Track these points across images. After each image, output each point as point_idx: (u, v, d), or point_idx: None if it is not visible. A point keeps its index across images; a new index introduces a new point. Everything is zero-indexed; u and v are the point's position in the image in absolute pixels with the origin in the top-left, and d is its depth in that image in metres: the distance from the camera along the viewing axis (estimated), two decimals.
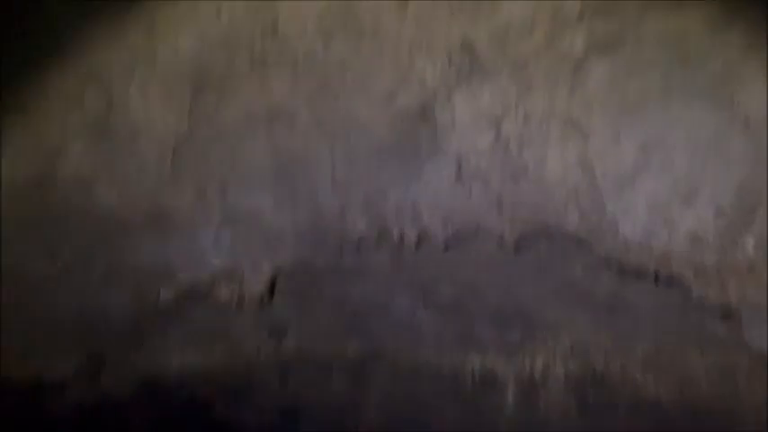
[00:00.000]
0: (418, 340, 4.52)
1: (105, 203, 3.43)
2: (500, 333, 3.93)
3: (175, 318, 4.68)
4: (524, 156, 2.70)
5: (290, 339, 5.08)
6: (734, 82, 2.09)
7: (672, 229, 2.48)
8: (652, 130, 2.26)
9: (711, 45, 2.14)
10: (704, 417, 3.22)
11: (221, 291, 3.74)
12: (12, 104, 3.36)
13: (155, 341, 5.05)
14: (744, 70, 2.07)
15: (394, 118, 3.08)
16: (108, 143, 3.35)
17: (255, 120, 3.37)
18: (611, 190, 2.52)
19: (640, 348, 3.30)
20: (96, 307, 4.38)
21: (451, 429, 4.39)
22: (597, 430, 3.74)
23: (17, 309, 4.28)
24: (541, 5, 2.43)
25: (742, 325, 2.51)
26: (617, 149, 2.41)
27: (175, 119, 3.28)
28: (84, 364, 5.06)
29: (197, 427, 5.20)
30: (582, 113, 2.47)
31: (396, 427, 4.80)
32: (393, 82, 2.97)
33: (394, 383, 4.89)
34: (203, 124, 3.37)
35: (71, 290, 4.29)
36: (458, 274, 3.64)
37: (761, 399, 2.59)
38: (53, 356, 4.81)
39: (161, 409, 5.46)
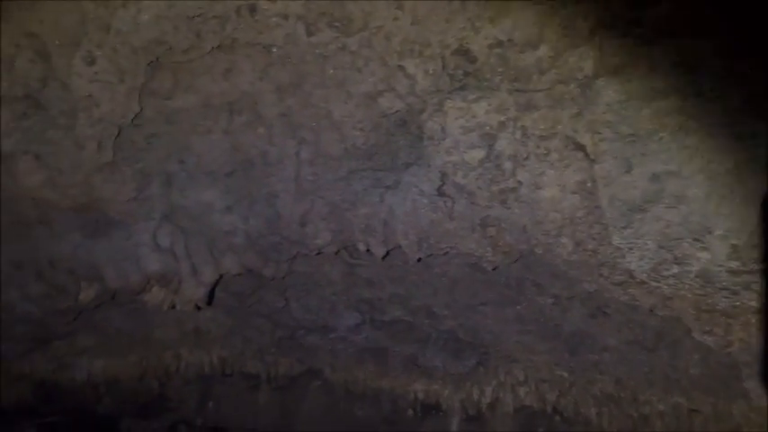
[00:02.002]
0: (360, 361, 4.21)
1: (29, 184, 2.92)
2: (451, 360, 3.67)
3: (91, 320, 4.15)
4: (518, 175, 2.47)
5: (217, 351, 4.67)
6: (754, 116, 1.95)
7: (681, 267, 2.31)
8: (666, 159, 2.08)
9: (728, 77, 1.98)
10: None
11: (152, 295, 3.27)
12: None
13: (62, 344, 4.48)
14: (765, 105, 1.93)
15: (374, 122, 2.78)
16: (40, 116, 2.85)
17: (215, 108, 2.97)
18: (617, 219, 2.32)
19: (599, 385, 3.12)
20: (1, 302, 3.79)
21: None
22: None
23: None
24: (550, 18, 2.21)
25: (742, 373, 2.37)
26: (627, 177, 2.21)
27: (124, 98, 2.83)
28: None
29: None
30: (588, 137, 2.26)
31: None
32: (378, 82, 2.67)
33: (328, 405, 4.56)
34: (155, 108, 2.94)
35: None
36: (417, 296, 3.36)
37: None
38: None
39: (58, 420, 4.89)
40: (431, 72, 2.53)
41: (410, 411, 4.00)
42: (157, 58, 2.75)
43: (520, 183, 2.41)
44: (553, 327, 3.02)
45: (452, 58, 2.52)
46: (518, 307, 3.01)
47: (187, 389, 4.97)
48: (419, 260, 2.79)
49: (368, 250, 2.85)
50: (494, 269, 2.73)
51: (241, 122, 2.97)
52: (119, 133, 2.86)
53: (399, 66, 2.57)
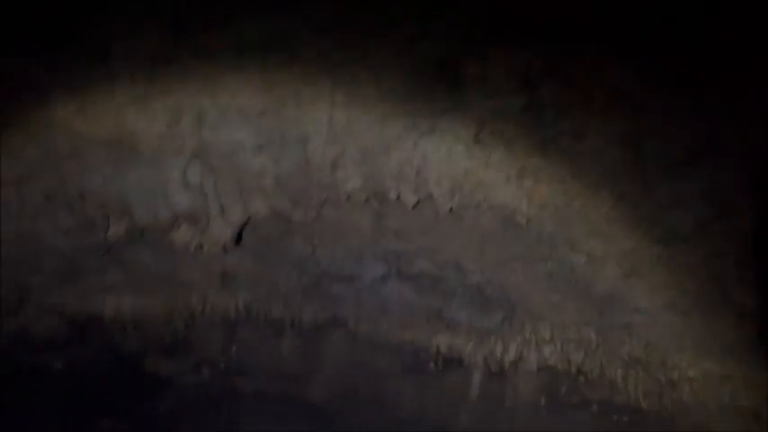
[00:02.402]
0: (384, 312, 4.19)
1: (61, 115, 2.89)
2: (476, 314, 3.62)
3: (120, 257, 4.17)
4: (560, 125, 2.36)
5: (242, 295, 4.67)
6: None
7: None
8: None
9: None
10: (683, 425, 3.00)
11: (179, 234, 3.26)
12: None
13: (91, 280, 4.52)
14: None
15: (413, 65, 2.68)
16: (71, 45, 2.80)
17: (251, 45, 2.89)
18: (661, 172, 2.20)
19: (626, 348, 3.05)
20: (31, 234, 3.82)
21: (408, 408, 4.10)
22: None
23: None
24: None
25: None
26: None
27: (159, 26, 2.76)
28: (6, 296, 4.49)
29: (121, 377, 4.75)
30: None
31: (346, 399, 4.48)
32: (418, 26, 2.56)
33: (350, 354, 4.56)
34: (189, 42, 2.87)
35: (4, 212, 3.71)
36: (445, 250, 3.29)
37: None
38: None
39: (85, 354, 4.98)
40: (471, 18, 2.40)
41: (431, 364, 3.96)
42: None
43: (561, 132, 2.30)
44: (584, 286, 2.94)
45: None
46: (548, 263, 2.92)
47: (212, 331, 5.00)
48: (450, 210, 2.71)
49: (398, 198, 2.76)
50: (527, 222, 2.63)
51: (275, 59, 2.89)
52: (151, 66, 2.79)
53: (438, 8, 2.44)
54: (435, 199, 2.66)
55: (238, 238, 3.24)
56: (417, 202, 2.73)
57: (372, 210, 3.41)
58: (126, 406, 4.54)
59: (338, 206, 3.23)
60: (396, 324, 4.08)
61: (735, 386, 2.72)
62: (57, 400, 4.60)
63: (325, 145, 2.81)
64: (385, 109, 2.68)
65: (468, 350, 3.75)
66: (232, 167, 2.99)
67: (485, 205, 2.69)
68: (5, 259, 4.12)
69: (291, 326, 4.66)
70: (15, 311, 4.77)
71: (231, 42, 2.76)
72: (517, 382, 3.62)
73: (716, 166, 2.24)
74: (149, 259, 4.40)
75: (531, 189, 2.45)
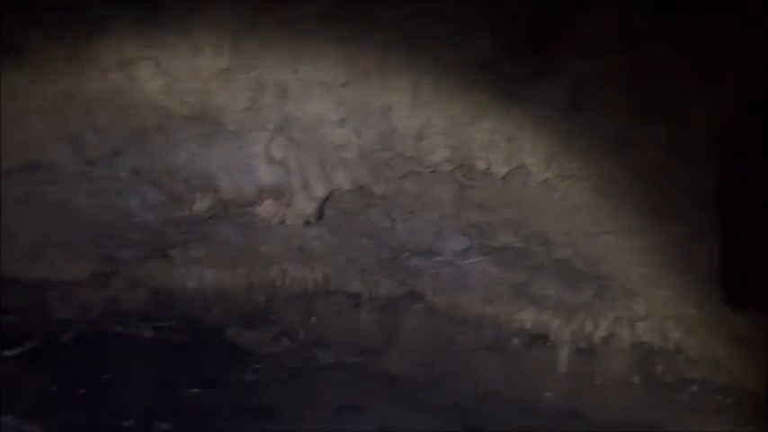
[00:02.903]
0: (464, 287, 4.08)
1: (148, 91, 2.90)
2: (565, 290, 3.47)
3: (203, 232, 4.23)
4: (667, 87, 2.17)
5: (321, 269, 4.67)
6: None
7: None
8: None
9: None
10: None
11: (263, 209, 3.24)
12: None
13: (175, 253, 4.61)
14: None
15: (500, 26, 2.52)
16: (157, 18, 2.78)
17: (331, 15, 2.80)
18: None
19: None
20: (119, 209, 3.90)
21: (488, 383, 4.01)
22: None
23: (29, 205, 3.79)
24: None
25: None
26: None
27: (240, 1, 2.71)
28: (96, 269, 4.64)
29: (205, 347, 4.85)
30: None
31: (422, 373, 4.43)
32: None
33: (428, 328, 4.49)
34: (270, 13, 2.80)
35: (94, 187, 3.79)
36: (531, 221, 3.14)
37: None
38: (64, 258, 4.38)
39: (171, 325, 5.12)
40: None
41: (515, 340, 3.85)
42: None
43: (667, 96, 2.11)
44: (687, 259, 2.74)
45: None
46: (648, 236, 2.74)
47: (291, 304, 5.04)
48: (544, 181, 2.56)
49: (487, 169, 2.64)
50: (627, 192, 2.46)
51: (355, 29, 2.79)
52: (234, 39, 2.75)
53: None
54: (528, 169, 2.51)
55: (321, 211, 3.19)
56: (507, 173, 2.58)
57: (456, 181, 3.29)
58: (211, 375, 4.64)
59: (421, 179, 3.13)
60: (477, 299, 3.97)
61: None
62: (146, 368, 4.76)
63: (410, 115, 2.70)
64: (472, 75, 2.54)
65: (555, 326, 3.62)
66: (315, 141, 2.93)
67: (581, 174, 2.52)
68: (97, 234, 4.24)
69: (369, 299, 4.63)
70: (106, 283, 4.95)
71: (312, 12, 2.66)
72: (608, 359, 3.47)
73: None
74: (230, 234, 4.44)
75: (633, 157, 2.26)
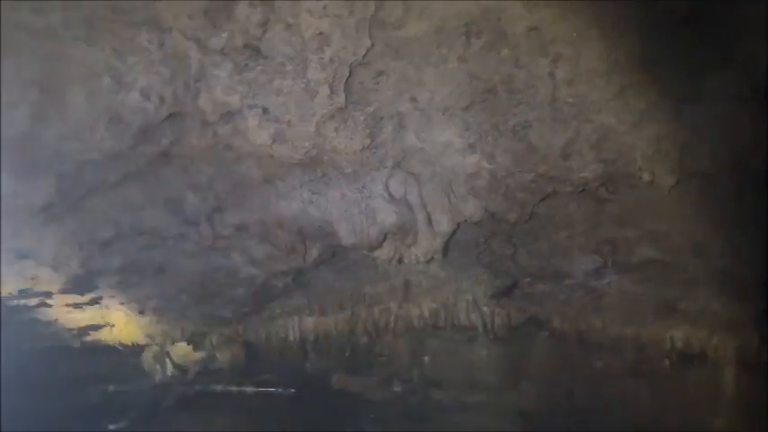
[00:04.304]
0: (597, 308, 3.70)
1: (258, 142, 2.64)
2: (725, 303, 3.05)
3: (304, 279, 3.96)
4: None
5: (427, 305, 4.34)
6: None
7: None
8: None
9: None
10: None
11: (383, 251, 2.94)
12: None
13: (276, 305, 4.35)
14: None
15: (655, 22, 2.18)
16: (256, 62, 2.53)
17: (450, 33, 2.50)
18: None
19: None
20: (223, 267, 3.66)
21: (640, 410, 3.60)
22: None
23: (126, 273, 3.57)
24: None
25: None
26: None
27: (354, 33, 2.43)
28: (195, 330, 4.41)
29: (310, 397, 4.58)
30: None
31: (558, 404, 4.04)
32: None
33: (558, 356, 4.11)
34: (384, 41, 2.52)
35: (194, 248, 3.55)
36: (678, 231, 2.76)
37: None
38: (161, 321, 4.15)
39: (271, 378, 4.86)
40: None
41: (666, 361, 3.45)
42: None
43: None
44: None
45: None
46: None
47: (397, 343, 4.74)
48: (733, 188, 2.20)
49: (652, 181, 2.29)
50: None
51: (480, 46, 2.48)
52: (349, 74, 2.47)
53: None
54: (708, 176, 2.15)
55: (446, 249, 2.87)
56: (677, 183, 2.23)
57: (594, 198, 2.94)
58: (319, 425, 4.38)
59: (556, 199, 2.78)
60: (614, 319, 3.59)
61: None
62: (248, 425, 4.52)
63: (551, 131, 2.36)
64: (623, 79, 2.19)
65: (713, 343, 3.21)
66: (439, 171, 2.61)
67: None
68: (198, 294, 4.02)
69: (484, 331, 4.29)
70: (202, 343, 4.73)
71: (427, 29, 2.37)
72: None
73: None
74: (332, 277, 4.17)
75: None
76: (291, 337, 4.74)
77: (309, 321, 4.66)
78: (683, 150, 2.15)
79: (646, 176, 2.27)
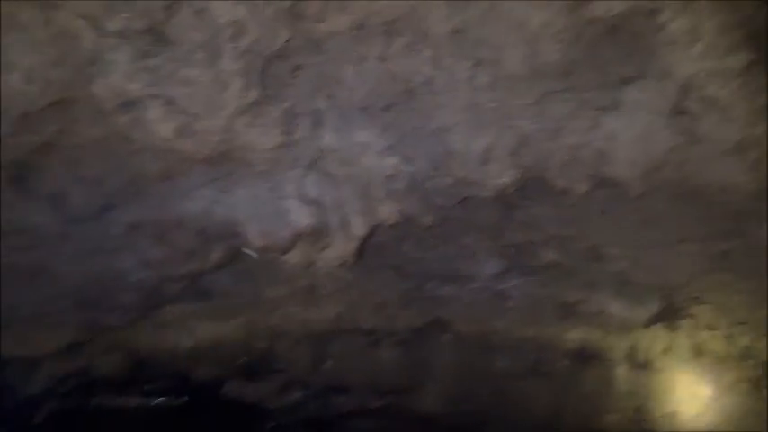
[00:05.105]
0: (500, 310, 3.78)
1: (161, 134, 2.42)
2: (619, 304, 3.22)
3: (199, 284, 3.74)
4: None
5: (331, 308, 4.25)
6: None
7: None
8: None
9: None
10: None
11: (293, 254, 2.82)
12: None
13: (168, 311, 4.08)
14: None
15: (576, 31, 2.24)
16: (163, 47, 2.32)
17: (371, 31, 2.43)
18: None
19: None
20: (110, 270, 3.36)
21: (539, 409, 3.71)
22: None
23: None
24: None
25: None
26: None
27: (271, 23, 2.29)
28: (73, 339, 4.06)
29: (200, 407, 4.35)
30: None
31: (463, 406, 4.09)
32: None
33: (460, 358, 4.15)
34: (302, 34, 2.40)
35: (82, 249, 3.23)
36: (584, 236, 2.87)
37: None
38: (35, 330, 3.79)
39: (157, 388, 4.56)
40: None
41: (564, 361, 3.58)
42: None
43: None
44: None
45: None
46: (732, 242, 2.52)
47: (298, 348, 4.61)
48: (641, 195, 2.29)
49: (565, 188, 2.34)
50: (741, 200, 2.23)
51: (401, 45, 2.43)
52: (265, 66, 2.32)
53: None
54: (618, 184, 2.23)
55: (360, 252, 2.80)
56: (591, 189, 2.30)
57: (505, 203, 2.98)
58: None
59: (476, 202, 2.79)
60: (516, 321, 3.68)
61: None
62: None
63: (471, 136, 2.36)
64: (542, 86, 2.22)
65: (607, 343, 3.37)
66: (356, 173, 2.53)
67: (686, 186, 2.26)
68: (79, 299, 3.69)
69: (388, 334, 4.26)
70: (82, 352, 4.36)
71: (347, 25, 2.28)
72: (670, 372, 3.24)
73: None
74: (229, 281, 3.98)
75: (755, 162, 2.02)
76: (183, 345, 4.47)
77: (203, 327, 4.41)
78: (598, 159, 2.19)
79: (561, 183, 2.31)
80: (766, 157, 2.03)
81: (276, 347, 4.56)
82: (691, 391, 3.17)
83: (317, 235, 2.66)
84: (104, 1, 2.24)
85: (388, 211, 2.67)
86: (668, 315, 3.10)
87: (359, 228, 2.71)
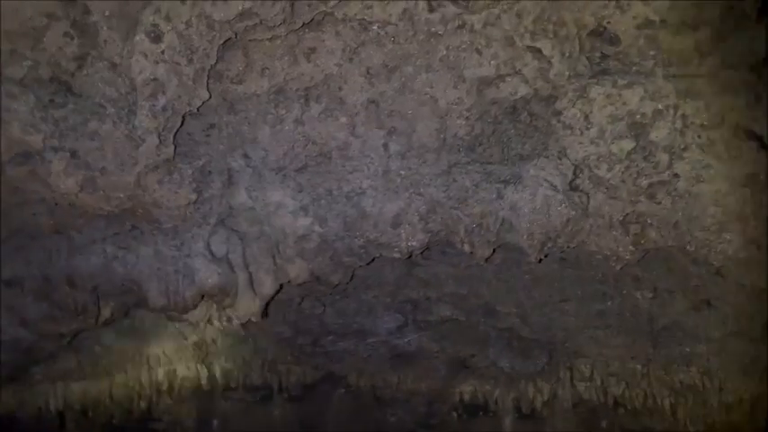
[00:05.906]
0: (395, 365, 3.87)
1: (63, 188, 2.30)
2: (515, 359, 3.44)
3: (77, 341, 3.50)
4: (675, 168, 2.26)
5: (219, 364, 4.13)
6: None
7: None
8: None
9: None
10: None
11: (195, 312, 2.75)
12: None
13: (38, 370, 3.76)
14: None
15: (482, 109, 2.45)
16: (77, 105, 2.24)
17: (290, 95, 2.50)
18: None
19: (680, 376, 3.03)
20: None
21: None
22: None
23: None
24: None
25: None
26: None
27: (192, 82, 2.28)
28: None
29: None
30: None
31: None
32: (500, 66, 2.34)
33: (354, 413, 4.17)
34: (220, 94, 2.42)
35: None
36: (478, 293, 3.08)
37: None
38: None
39: None
40: (567, 54, 2.23)
41: (453, 413, 3.72)
42: (236, 35, 2.23)
43: (676, 176, 2.19)
44: (644, 320, 2.87)
45: (589, 39, 2.24)
46: (608, 302, 2.82)
47: (182, 406, 4.40)
48: (540, 261, 2.51)
49: (471, 252, 2.52)
50: (622, 267, 2.51)
51: (318, 111, 2.52)
52: (181, 124, 2.30)
53: (530, 47, 2.24)
54: (518, 249, 2.43)
55: (266, 311, 2.79)
56: (492, 253, 2.49)
57: (406, 263, 3.11)
58: None
59: (381, 262, 2.89)
60: (409, 375, 3.80)
61: None
62: None
63: (383, 200, 2.48)
64: (451, 158, 2.41)
65: (495, 395, 3.57)
66: (267, 232, 2.55)
67: (576, 253, 2.51)
68: None
69: (279, 390, 4.21)
70: None
71: (266, 88, 2.35)
72: (553, 421, 3.49)
73: None
74: (112, 338, 3.76)
75: (637, 235, 2.31)
76: (51, 407, 4.12)
77: (76, 387, 4.09)
78: (501, 227, 2.37)
79: (466, 248, 2.46)
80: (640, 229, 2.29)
81: (159, 406, 4.32)
82: None
83: (223, 294, 2.59)
84: (8, 44, 2.11)
85: (297, 270, 2.68)
86: (551, 368, 3.32)
87: (267, 287, 2.68)
